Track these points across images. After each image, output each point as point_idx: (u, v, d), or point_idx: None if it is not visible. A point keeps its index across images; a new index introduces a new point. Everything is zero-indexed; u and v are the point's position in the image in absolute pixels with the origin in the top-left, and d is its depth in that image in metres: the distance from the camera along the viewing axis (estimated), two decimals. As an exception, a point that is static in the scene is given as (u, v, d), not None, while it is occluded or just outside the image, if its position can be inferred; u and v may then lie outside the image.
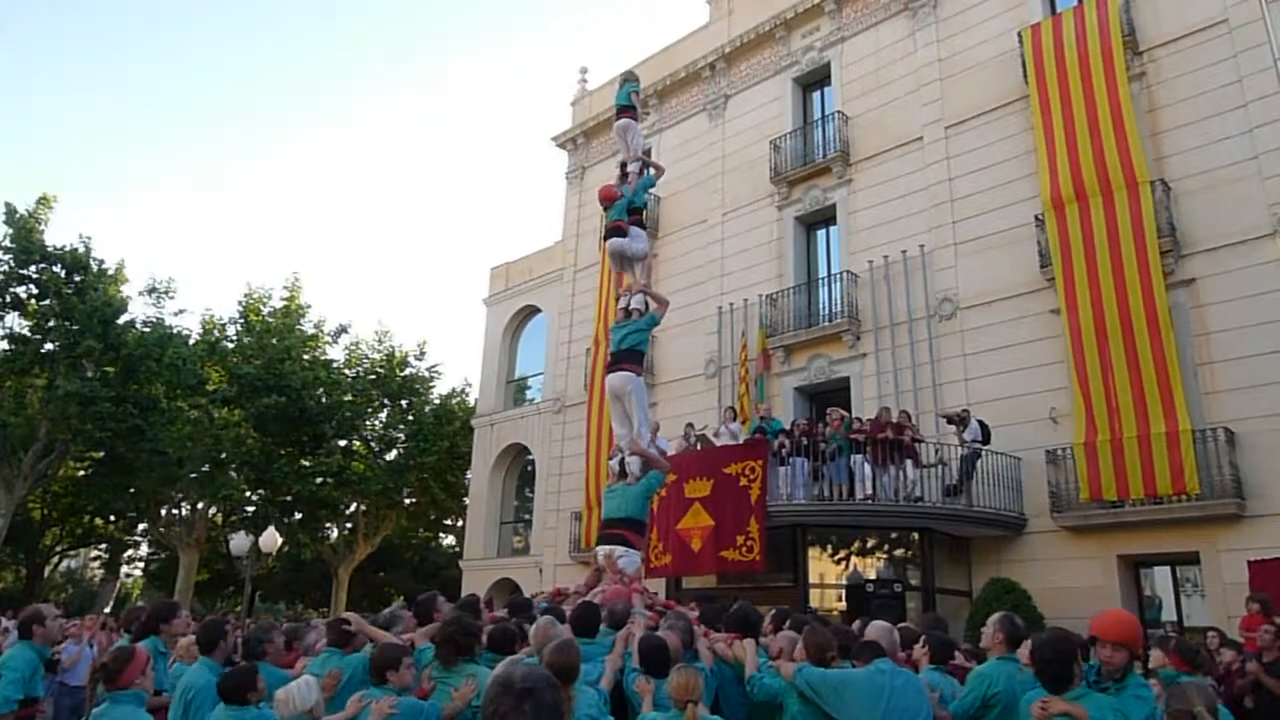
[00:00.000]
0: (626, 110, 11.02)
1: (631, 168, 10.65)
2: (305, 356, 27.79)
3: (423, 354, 30.51)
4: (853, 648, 4.98)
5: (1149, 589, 14.24)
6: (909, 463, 13.98)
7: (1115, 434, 13.42)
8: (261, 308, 28.56)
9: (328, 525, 30.21)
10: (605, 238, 10.20)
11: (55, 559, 36.41)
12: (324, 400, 27.44)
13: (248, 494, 27.94)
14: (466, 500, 27.20)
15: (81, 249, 24.32)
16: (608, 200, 10.10)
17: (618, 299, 10.08)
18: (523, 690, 2.01)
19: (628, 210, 10.16)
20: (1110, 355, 13.70)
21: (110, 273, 25.49)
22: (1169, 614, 13.81)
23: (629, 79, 11.38)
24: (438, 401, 30.86)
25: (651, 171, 10.97)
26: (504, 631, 5.43)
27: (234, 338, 28.02)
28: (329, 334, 29.58)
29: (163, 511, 27.60)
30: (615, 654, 5.27)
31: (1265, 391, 12.72)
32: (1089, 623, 4.37)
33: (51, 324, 23.79)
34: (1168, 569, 13.95)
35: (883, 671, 4.64)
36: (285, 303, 28.87)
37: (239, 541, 22.46)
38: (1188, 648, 6.39)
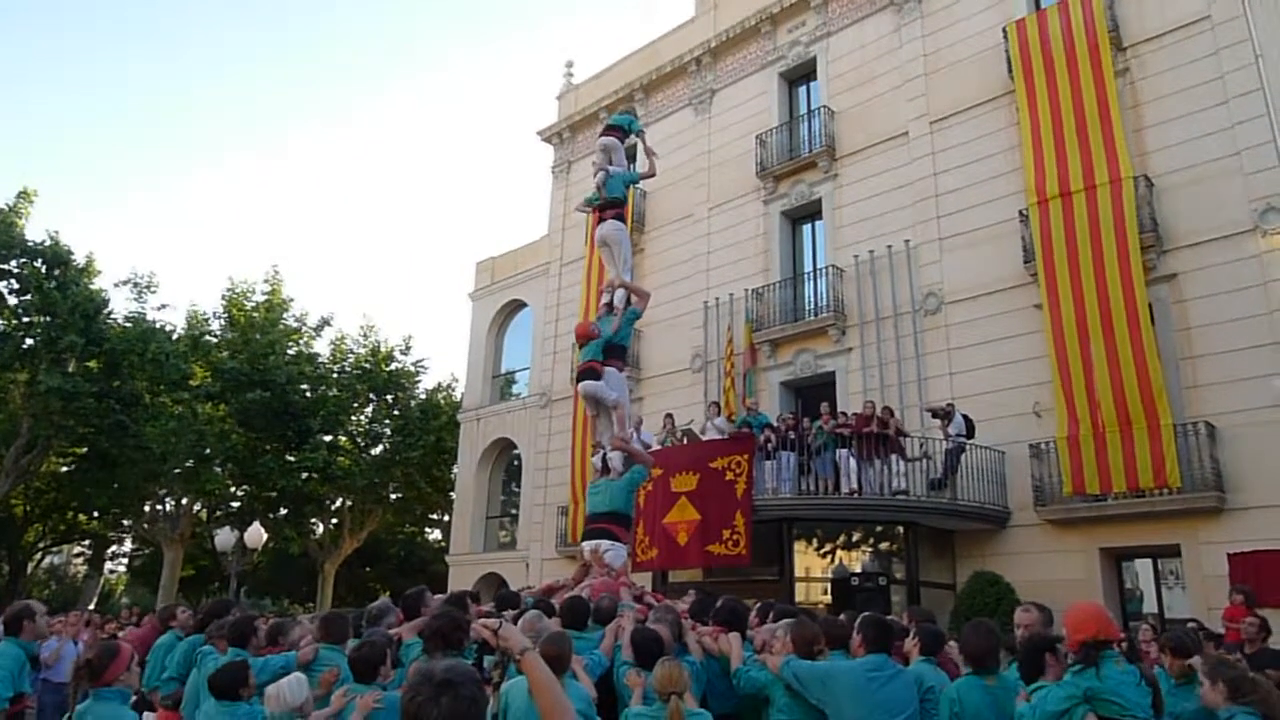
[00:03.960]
0: (614, 130, 10.92)
1: (614, 294, 10.04)
2: (289, 351, 27.71)
3: (408, 349, 30.45)
4: (864, 629, 4.92)
5: (1131, 581, 14.38)
6: (894, 457, 14.07)
7: (1097, 428, 13.54)
8: (245, 302, 28.43)
9: (313, 520, 30.14)
10: (577, 379, 9.54)
11: (38, 556, 36.09)
12: (309, 395, 27.37)
13: (232, 489, 27.87)
14: (453, 495, 27.17)
15: (60, 243, 24.12)
16: (584, 338, 9.50)
17: (600, 294, 10.10)
18: (442, 681, 2.03)
19: (609, 203, 10.17)
20: (1091, 350, 13.80)
21: (81, 266, 25.31)
22: (1150, 606, 13.95)
23: (631, 113, 11.34)
24: (423, 396, 30.79)
25: (641, 168, 10.96)
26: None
27: (217, 333, 27.90)
28: (312, 328, 29.49)
29: (147, 507, 27.41)
30: (605, 645, 5.31)
31: (1245, 386, 12.84)
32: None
33: (32, 319, 23.59)
34: (1149, 561, 14.06)
35: (877, 666, 4.65)
36: (267, 297, 28.74)
37: (224, 537, 22.39)
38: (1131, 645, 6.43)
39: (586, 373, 9.32)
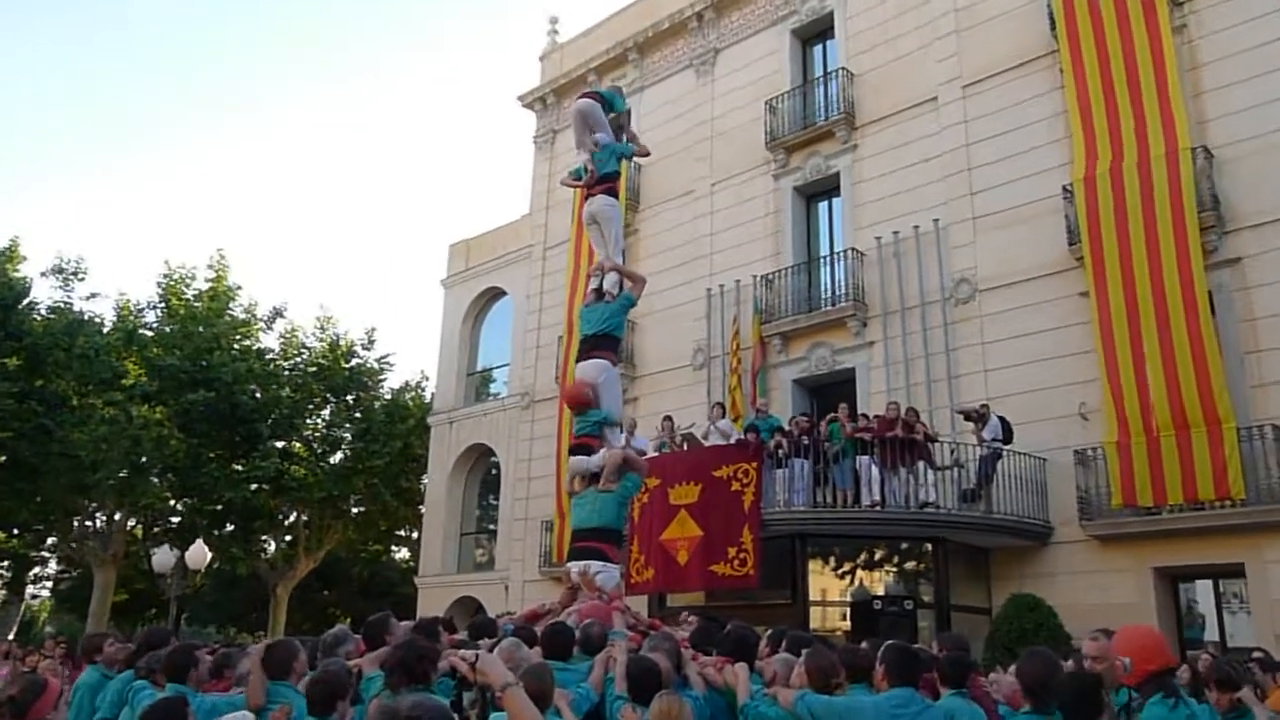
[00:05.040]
0: (593, 94, 10.89)
1: (603, 278, 9.84)
2: (236, 346, 27.63)
3: (371, 343, 30.42)
4: (888, 659, 4.92)
5: (1189, 605, 14.41)
6: (921, 465, 14.07)
7: (1151, 432, 13.53)
8: (184, 290, 28.29)
9: (264, 538, 30.08)
10: (571, 452, 9.33)
11: (-50, 578, 36.10)
12: (258, 396, 27.29)
13: (172, 503, 27.77)
14: (422, 509, 27.17)
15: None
16: (577, 405, 9.26)
17: (589, 279, 10.10)
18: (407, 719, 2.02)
19: (599, 179, 10.16)
20: (1144, 343, 13.80)
21: (3, 251, 25.21)
22: (1211, 633, 13.98)
23: (618, 91, 11.39)
24: (389, 397, 30.78)
25: (629, 142, 10.96)
26: (468, 657, 5.39)
27: (154, 325, 27.78)
28: (262, 319, 29.43)
29: (74, 523, 27.35)
30: (595, 678, 5.28)
31: (1318, 384, 12.88)
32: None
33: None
34: (1209, 583, 14.12)
35: (903, 701, 4.63)
36: (211, 285, 28.63)
37: (162, 557, 22.30)
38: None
39: (580, 449, 9.05)
